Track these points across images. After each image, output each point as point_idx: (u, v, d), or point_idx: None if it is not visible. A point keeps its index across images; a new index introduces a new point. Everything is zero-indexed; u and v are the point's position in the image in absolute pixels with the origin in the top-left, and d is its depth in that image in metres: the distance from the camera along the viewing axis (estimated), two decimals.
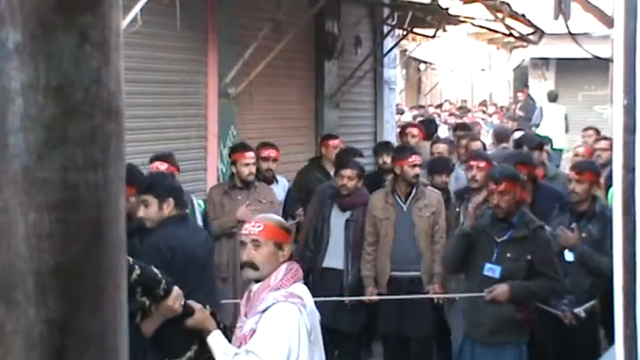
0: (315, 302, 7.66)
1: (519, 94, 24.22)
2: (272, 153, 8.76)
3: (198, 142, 9.52)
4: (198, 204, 7.68)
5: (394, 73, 15.69)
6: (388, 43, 14.36)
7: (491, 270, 6.40)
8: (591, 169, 7.34)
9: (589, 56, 10.54)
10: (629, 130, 3.53)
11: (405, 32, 14.44)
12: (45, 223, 1.46)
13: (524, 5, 14.30)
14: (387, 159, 9.39)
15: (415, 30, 14.58)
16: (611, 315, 7.61)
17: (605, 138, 10.22)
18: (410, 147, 8.94)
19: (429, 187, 8.27)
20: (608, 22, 11.44)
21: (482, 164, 7.89)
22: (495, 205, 6.41)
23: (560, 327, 6.78)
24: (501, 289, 6.28)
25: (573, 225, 7.06)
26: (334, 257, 8.17)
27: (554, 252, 6.57)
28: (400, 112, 19.96)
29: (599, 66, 20.75)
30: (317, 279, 8.11)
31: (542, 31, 14.12)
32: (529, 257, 6.35)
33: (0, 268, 1.46)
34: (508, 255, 6.38)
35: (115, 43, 1.56)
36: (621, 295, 3.59)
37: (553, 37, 18.07)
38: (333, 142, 9.98)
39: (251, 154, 8.18)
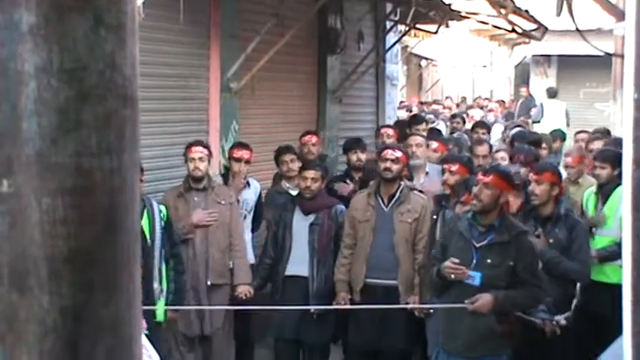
0: (279, 313, 7.62)
1: (522, 90, 24.22)
2: (245, 154, 8.39)
3: (199, 136, 9.48)
4: (160, 209, 7.12)
5: (396, 69, 15.68)
6: (390, 38, 14.34)
7: (471, 277, 6.02)
8: (551, 169, 7.13)
9: (591, 53, 10.51)
10: (639, 124, 3.50)
11: (407, 28, 14.42)
12: (59, 209, 1.43)
13: (528, 1, 14.27)
14: (362, 156, 9.14)
15: (417, 25, 14.56)
16: (581, 327, 7.53)
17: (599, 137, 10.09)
18: (390, 143, 8.58)
19: (416, 192, 7.75)
20: (616, 14, 11.41)
21: (454, 167, 7.39)
22: (475, 194, 6.06)
23: (536, 337, 6.46)
24: (484, 300, 5.90)
25: (539, 231, 6.82)
26: (298, 264, 7.68)
27: (537, 259, 6.27)
28: (408, 109, 19.93)
29: (600, 63, 20.74)
30: (279, 288, 7.71)
31: (546, 28, 14.10)
32: (511, 263, 5.99)
33: (13, 254, 1.43)
34: (488, 261, 6.00)
35: (131, 27, 1.53)
36: (630, 292, 3.57)
37: (555, 34, 18.05)
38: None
39: (199, 148, 7.75)
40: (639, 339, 3.46)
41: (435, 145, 9.60)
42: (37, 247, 1.42)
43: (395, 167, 7.50)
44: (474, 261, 6.03)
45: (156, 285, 6.84)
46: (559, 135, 12.66)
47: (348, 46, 12.54)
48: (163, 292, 6.97)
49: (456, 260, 6.01)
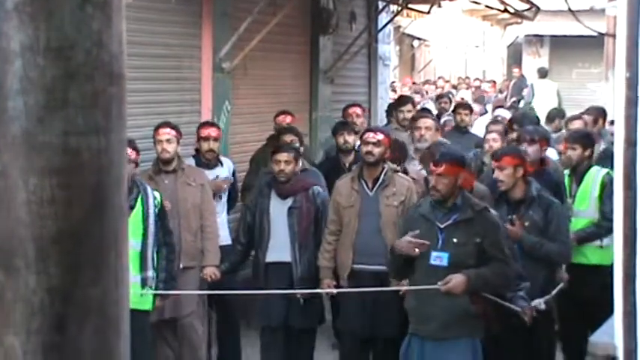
0: (265, 301, 7.42)
1: (514, 70, 24.17)
2: (212, 132, 8.15)
3: (192, 116, 9.45)
4: (154, 196, 6.91)
5: (388, 49, 15.64)
6: (383, 18, 14.29)
7: (439, 258, 5.87)
8: (510, 153, 6.98)
9: (583, 33, 10.51)
10: (632, 103, 3.50)
11: (399, 8, 14.37)
12: (46, 189, 1.42)
13: None
14: (349, 138, 8.85)
15: (410, 6, 14.51)
16: (565, 310, 7.46)
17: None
18: (372, 126, 8.27)
19: (401, 174, 7.53)
20: None
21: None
22: (432, 186, 5.99)
23: (516, 321, 6.28)
24: (457, 280, 5.75)
25: (513, 217, 6.66)
26: (279, 250, 7.44)
27: (503, 234, 6.09)
28: (392, 89, 19.72)
29: (593, 43, 20.74)
30: (261, 276, 7.48)
31: (538, 7, 14.07)
32: (478, 240, 5.87)
33: (0, 234, 1.42)
34: (454, 240, 5.87)
35: (117, 5, 1.52)
36: (621, 270, 3.57)
37: (547, 14, 18.01)
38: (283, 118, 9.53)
39: (166, 130, 7.50)
40: (631, 318, 3.47)
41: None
42: (24, 227, 1.41)
43: (377, 150, 7.25)
44: (440, 242, 5.91)
45: (150, 273, 6.77)
46: (557, 114, 12.52)
47: (340, 26, 12.48)
48: (154, 280, 6.89)
49: (416, 232, 5.93)
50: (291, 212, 7.46)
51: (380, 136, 7.33)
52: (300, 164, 7.75)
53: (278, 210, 7.48)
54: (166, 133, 7.49)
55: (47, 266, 1.42)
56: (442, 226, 5.93)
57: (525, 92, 20.24)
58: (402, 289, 6.64)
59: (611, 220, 7.68)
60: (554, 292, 6.62)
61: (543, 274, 6.59)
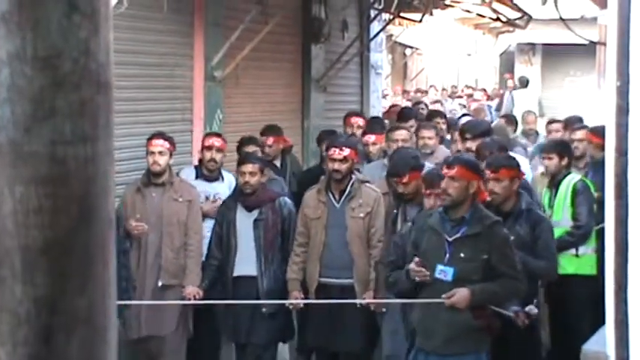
0: (229, 317, 7.27)
1: (507, 76, 24.18)
2: (216, 142, 8.01)
3: (184, 125, 9.46)
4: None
5: (380, 58, 15.66)
6: (375, 27, 14.32)
7: (443, 272, 5.78)
8: (506, 164, 6.73)
9: (575, 42, 10.53)
10: (622, 112, 3.51)
11: (391, 16, 14.39)
12: (33, 198, 1.41)
13: None
14: None
15: (402, 14, 14.53)
16: (554, 316, 7.40)
17: (582, 127, 9.97)
18: (334, 138, 7.93)
19: (367, 185, 7.38)
20: (599, 2, 11.43)
21: (405, 179, 6.82)
22: (443, 189, 5.83)
23: (504, 328, 6.16)
24: (461, 294, 5.68)
25: None
26: (245, 264, 7.31)
27: (512, 249, 5.94)
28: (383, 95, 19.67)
29: (585, 52, 20.79)
30: (229, 290, 7.32)
31: (530, 16, 14.11)
32: (485, 257, 5.75)
33: None
34: (461, 255, 5.75)
35: (105, 14, 1.51)
36: (612, 279, 3.57)
37: (539, 22, 18.06)
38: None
39: (159, 141, 7.37)
40: (622, 327, 3.47)
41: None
42: (11, 237, 1.40)
43: (344, 167, 7.17)
44: (447, 255, 5.81)
45: None
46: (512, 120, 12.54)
47: (332, 35, 12.51)
48: None
49: (417, 260, 5.85)
50: (257, 224, 7.32)
51: (346, 152, 7.20)
52: (266, 174, 7.63)
53: (244, 222, 7.35)
54: (159, 145, 7.36)
55: (34, 276, 1.41)
56: (450, 239, 5.79)
57: (497, 104, 20.18)
58: (407, 301, 6.42)
59: (584, 228, 7.69)
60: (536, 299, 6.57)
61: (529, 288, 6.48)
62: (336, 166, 7.16)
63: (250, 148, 8.32)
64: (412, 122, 10.60)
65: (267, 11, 9.98)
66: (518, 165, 6.85)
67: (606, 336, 3.41)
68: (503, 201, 6.58)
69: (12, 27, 1.41)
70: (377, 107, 14.74)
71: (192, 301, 7.33)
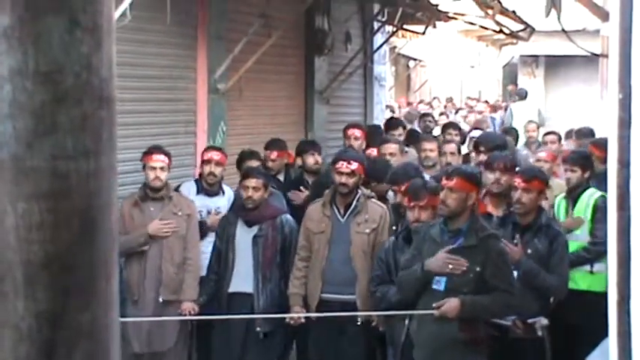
0: (222, 335, 7.03)
1: (510, 87, 24.19)
2: (215, 155, 7.86)
3: (187, 137, 9.47)
4: None
5: (384, 70, 15.69)
6: (378, 39, 14.34)
7: (438, 282, 5.78)
8: (540, 177, 6.69)
9: (578, 53, 10.54)
10: (624, 124, 3.51)
11: (395, 29, 14.42)
12: (35, 214, 1.42)
13: (515, 2, 14.29)
14: (318, 158, 8.67)
15: (405, 26, 14.57)
16: (554, 336, 7.28)
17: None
18: (343, 152, 7.77)
19: (373, 200, 7.20)
20: (601, 14, 11.45)
21: (403, 187, 6.70)
22: (442, 200, 5.83)
23: (508, 346, 6.15)
24: (451, 304, 5.66)
25: (517, 239, 6.44)
26: (243, 280, 7.14)
27: (508, 263, 5.92)
28: (391, 109, 19.61)
29: (588, 63, 20.79)
30: (223, 306, 7.14)
31: (533, 28, 14.13)
32: (478, 269, 5.72)
33: None
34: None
35: (107, 28, 1.51)
36: (615, 291, 3.57)
37: (542, 34, 18.07)
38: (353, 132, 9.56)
39: (160, 156, 7.23)
40: (625, 338, 3.47)
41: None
42: (13, 252, 1.40)
43: (351, 181, 7.02)
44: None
45: None
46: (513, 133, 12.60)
47: (335, 47, 12.53)
48: None
49: (447, 249, 5.78)
50: (256, 241, 7.18)
51: (354, 166, 7.07)
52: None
53: (243, 238, 7.22)
54: (160, 160, 7.26)
55: (35, 291, 1.42)
56: (446, 250, 5.79)
57: (501, 116, 20.16)
58: (397, 313, 6.38)
59: (601, 245, 7.58)
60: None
61: (538, 304, 6.39)
62: (344, 179, 7.01)
63: (252, 163, 8.23)
64: (400, 131, 10.63)
65: (270, 24, 10.00)
66: (547, 182, 6.78)
67: (609, 347, 3.41)
68: (526, 213, 6.51)
69: (13, 42, 1.42)
70: (380, 119, 14.75)
71: (189, 317, 7.23)
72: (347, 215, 7.06)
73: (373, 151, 9.08)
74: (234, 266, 7.20)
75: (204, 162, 7.94)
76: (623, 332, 3.40)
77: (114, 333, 1.52)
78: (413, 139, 10.74)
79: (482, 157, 8.01)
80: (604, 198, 7.57)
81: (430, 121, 14.15)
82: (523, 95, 20.50)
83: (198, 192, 7.89)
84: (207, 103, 9.64)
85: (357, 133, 9.91)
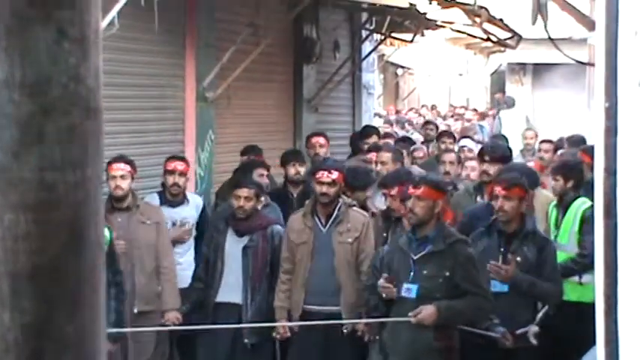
0: (207, 346, 6.93)
1: (497, 95, 24.24)
2: (179, 166, 7.79)
3: (175, 146, 9.46)
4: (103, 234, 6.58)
5: (372, 78, 15.70)
6: (366, 47, 14.37)
7: (408, 290, 5.85)
8: (520, 184, 6.67)
9: (566, 61, 10.57)
10: (611, 133, 3.52)
11: (383, 37, 14.45)
12: (21, 224, 1.42)
13: (502, 10, 14.34)
14: (301, 169, 8.56)
15: (393, 35, 14.59)
16: (543, 346, 7.24)
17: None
18: (322, 161, 7.70)
19: (355, 209, 7.16)
20: (587, 23, 11.50)
21: (393, 191, 6.81)
22: (410, 208, 5.94)
23: (495, 354, 6.18)
24: (427, 311, 5.72)
25: (509, 257, 6.36)
26: (231, 290, 7.06)
27: (476, 267, 5.95)
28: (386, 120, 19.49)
29: (575, 71, 20.86)
30: (209, 316, 7.03)
31: (520, 36, 14.17)
32: (447, 274, 5.82)
33: None
34: (425, 272, 5.84)
35: (94, 39, 1.52)
36: (602, 300, 3.58)
37: (530, 42, 18.10)
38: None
39: (120, 165, 7.07)
40: (613, 348, 3.48)
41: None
42: None
43: (332, 190, 6.97)
44: (412, 273, 5.88)
45: None
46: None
47: (323, 55, 12.54)
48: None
49: (385, 275, 5.92)
50: (246, 252, 7.12)
51: (334, 175, 7.02)
52: (263, 200, 7.49)
53: (233, 248, 7.15)
54: (120, 168, 7.10)
55: (21, 302, 1.41)
56: (415, 258, 5.89)
57: (490, 124, 20.17)
58: (373, 320, 6.42)
59: (589, 257, 7.58)
60: (540, 314, 6.51)
61: (529, 313, 6.43)
62: (324, 189, 6.95)
63: (260, 171, 8.18)
64: (374, 138, 10.59)
65: (259, 32, 10.01)
66: (527, 189, 6.74)
67: (597, 356, 3.41)
68: (509, 221, 6.50)
69: (0, 53, 1.42)
70: None
71: (174, 327, 7.12)
72: (329, 225, 7.01)
73: (374, 156, 9.03)
74: (222, 276, 7.11)
75: (167, 172, 7.81)
76: (610, 340, 3.41)
77: (100, 343, 1.52)
78: (406, 145, 10.76)
79: (487, 167, 7.97)
80: (592, 209, 7.57)
81: (431, 130, 14.17)
82: (511, 103, 20.54)
83: (161, 203, 7.77)
84: (195, 112, 9.64)
85: (322, 140, 9.87)
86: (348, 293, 6.91)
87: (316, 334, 6.85)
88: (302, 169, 8.62)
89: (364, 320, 6.64)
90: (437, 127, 14.87)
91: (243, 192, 7.13)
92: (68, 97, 1.47)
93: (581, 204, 7.63)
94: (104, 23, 6.96)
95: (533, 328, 6.30)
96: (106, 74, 7.35)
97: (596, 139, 3.74)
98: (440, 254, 5.86)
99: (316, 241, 6.98)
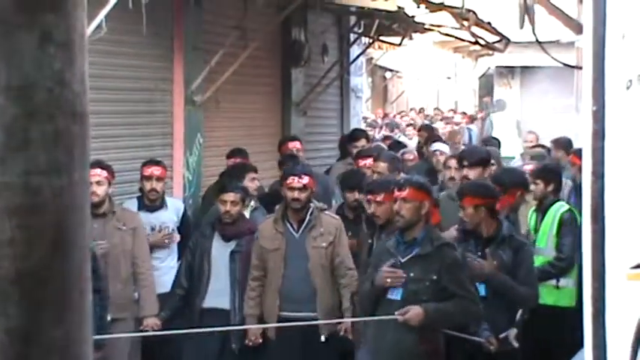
0: (195, 353, 6.78)
1: (485, 99, 24.31)
2: (156, 171, 7.68)
3: (163, 149, 9.43)
4: None
5: (360, 81, 15.71)
6: (355, 51, 14.38)
7: (394, 292, 5.79)
8: (469, 192, 6.55)
9: (554, 65, 10.58)
10: (598, 136, 3.53)
11: (371, 40, 14.46)
12: (6, 230, 1.41)
13: (490, 13, 14.38)
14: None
15: (381, 38, 14.61)
16: (529, 349, 7.23)
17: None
18: (293, 167, 7.54)
19: (327, 213, 7.12)
20: (574, 27, 11.52)
21: (379, 197, 6.62)
22: (396, 211, 5.86)
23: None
24: (414, 312, 5.65)
25: (487, 253, 6.35)
26: (218, 296, 6.98)
27: (464, 270, 5.92)
28: (371, 125, 19.54)
29: (563, 74, 20.92)
30: (194, 322, 6.86)
31: (508, 39, 14.21)
32: (434, 277, 5.74)
33: None
34: (411, 275, 5.75)
35: (80, 44, 1.51)
36: (590, 304, 3.58)
37: (518, 46, 18.18)
38: (293, 144, 9.50)
39: (97, 171, 6.87)
40: (601, 351, 3.48)
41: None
42: None
43: (303, 195, 6.89)
44: None
45: None
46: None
47: (312, 59, 12.53)
48: None
49: (390, 262, 5.81)
50: (234, 257, 7.06)
51: (305, 180, 6.95)
52: (253, 204, 7.41)
53: (220, 253, 7.08)
54: (97, 174, 6.91)
55: (6, 307, 1.41)
56: (403, 261, 5.82)
57: (479, 127, 20.20)
58: (357, 320, 6.37)
59: (566, 260, 7.57)
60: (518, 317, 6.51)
61: (507, 317, 6.37)
62: (296, 194, 6.87)
63: (250, 176, 8.08)
64: (363, 142, 10.51)
65: (247, 35, 10.00)
66: (483, 193, 6.55)
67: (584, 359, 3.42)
68: (479, 226, 6.40)
69: None
70: None
71: (154, 332, 6.99)
72: (301, 230, 6.93)
73: (367, 161, 8.86)
74: (209, 281, 7.04)
75: (144, 178, 7.73)
76: (597, 345, 3.42)
77: (87, 347, 1.52)
78: (397, 149, 10.70)
79: (466, 172, 7.90)
80: (570, 212, 7.56)
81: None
82: (502, 106, 20.61)
83: (139, 208, 7.69)
84: (183, 115, 9.62)
85: (298, 145, 9.83)
86: (323, 298, 6.85)
87: (294, 340, 6.77)
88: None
89: (349, 319, 6.60)
90: (432, 130, 14.78)
91: (230, 197, 7.08)
92: (54, 102, 1.46)
93: (559, 207, 7.63)
94: (92, 27, 6.95)
95: (513, 331, 6.31)
96: (94, 78, 7.29)
97: (583, 142, 3.75)
98: (427, 257, 5.79)
99: (289, 247, 6.88)
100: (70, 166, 1.48)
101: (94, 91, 7.89)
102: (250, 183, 8.00)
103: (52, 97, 1.46)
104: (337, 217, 7.19)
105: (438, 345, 5.87)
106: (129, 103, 8.87)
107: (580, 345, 6.47)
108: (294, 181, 6.93)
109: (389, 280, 5.79)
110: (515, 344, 6.29)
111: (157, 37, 9.04)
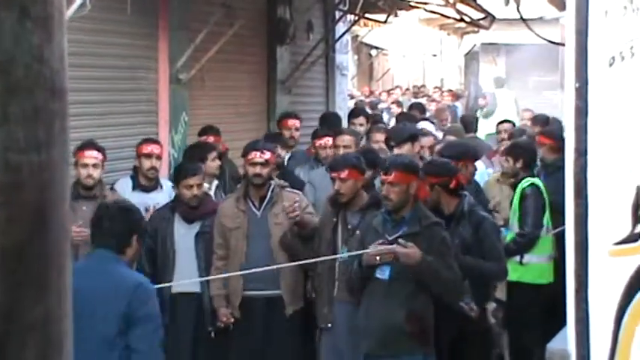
0: (172, 338, 6.41)
1: (481, 102, 24.35)
2: (155, 149, 7.60)
3: (148, 128, 9.40)
4: None
5: (346, 59, 15.68)
6: (340, 28, 14.33)
7: (382, 271, 5.77)
8: (350, 164, 6.52)
9: (539, 42, 10.60)
10: (581, 113, 3.54)
11: (356, 17, 14.42)
12: None
13: None
14: (281, 152, 8.42)
15: (367, 15, 14.57)
16: (513, 317, 7.32)
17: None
18: (254, 142, 7.41)
19: (288, 189, 7.04)
20: (558, 3, 11.53)
21: (344, 174, 6.49)
22: (384, 196, 5.85)
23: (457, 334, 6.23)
24: (414, 250, 5.61)
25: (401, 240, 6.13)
26: (186, 279, 6.84)
27: (450, 250, 5.90)
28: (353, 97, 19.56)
29: (548, 52, 20.94)
30: (166, 309, 6.49)
31: (493, 16, 14.21)
32: None
33: None
34: None
35: (58, 19, 1.50)
36: (572, 278, 3.61)
37: (503, 23, 18.16)
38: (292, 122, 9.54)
39: (92, 153, 6.81)
40: (583, 325, 3.51)
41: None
42: None
43: (265, 171, 6.84)
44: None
45: None
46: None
47: (297, 37, 12.51)
48: None
49: (380, 241, 5.78)
50: (199, 238, 6.94)
51: (267, 155, 6.91)
52: (216, 182, 7.36)
53: (183, 235, 6.95)
54: (93, 156, 6.86)
55: None
56: (390, 239, 5.78)
57: (485, 102, 20.25)
58: (343, 254, 6.31)
59: (526, 236, 7.57)
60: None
61: (481, 292, 6.41)
62: (258, 170, 6.82)
63: (212, 155, 7.96)
64: (362, 120, 10.52)
65: (232, 13, 9.96)
66: (354, 167, 6.53)
67: (568, 334, 3.45)
68: (441, 203, 6.38)
69: None
70: (343, 109, 14.75)
71: None
72: (263, 208, 6.88)
73: (328, 141, 8.82)
74: (174, 266, 6.90)
75: (143, 156, 7.61)
76: (580, 318, 3.45)
77: (67, 325, 1.52)
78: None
79: (396, 151, 7.90)
80: (532, 186, 7.56)
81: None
82: (501, 83, 20.71)
83: (134, 188, 7.60)
84: (168, 94, 9.59)
85: (297, 123, 9.84)
86: (288, 275, 6.79)
87: (258, 319, 6.76)
88: (282, 153, 8.56)
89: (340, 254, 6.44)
90: (424, 109, 14.82)
91: (194, 180, 6.95)
92: (32, 78, 1.45)
93: (525, 183, 7.62)
94: (76, 4, 6.91)
95: (492, 305, 6.35)
96: (78, 55, 7.25)
97: (566, 119, 3.76)
98: (415, 236, 5.75)
99: (250, 225, 6.82)
100: (49, 142, 1.48)
101: (78, 68, 7.90)
102: (212, 162, 7.92)
103: (31, 73, 1.45)
104: (298, 192, 7.13)
105: (425, 326, 5.84)
106: (114, 81, 8.83)
107: (545, 321, 6.58)
108: (256, 156, 6.86)
109: (378, 258, 5.75)
110: (492, 320, 6.33)
111: (141, 15, 9.00)
